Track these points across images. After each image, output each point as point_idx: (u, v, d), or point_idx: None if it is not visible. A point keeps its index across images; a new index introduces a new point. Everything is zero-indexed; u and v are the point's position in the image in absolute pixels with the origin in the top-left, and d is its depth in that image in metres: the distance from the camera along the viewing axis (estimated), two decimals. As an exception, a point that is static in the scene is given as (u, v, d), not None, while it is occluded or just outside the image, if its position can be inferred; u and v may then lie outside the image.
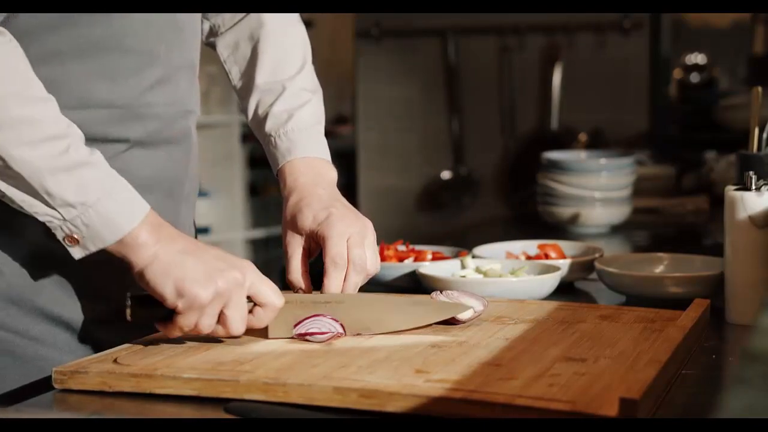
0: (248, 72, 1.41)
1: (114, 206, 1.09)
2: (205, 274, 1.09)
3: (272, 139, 1.36)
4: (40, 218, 1.09)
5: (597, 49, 3.85)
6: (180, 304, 1.09)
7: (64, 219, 1.08)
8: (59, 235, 1.10)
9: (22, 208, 1.09)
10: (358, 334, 1.18)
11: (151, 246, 1.10)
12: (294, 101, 1.38)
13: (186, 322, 1.10)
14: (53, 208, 1.08)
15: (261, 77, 1.40)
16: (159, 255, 1.10)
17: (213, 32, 1.44)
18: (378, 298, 1.27)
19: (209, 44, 1.45)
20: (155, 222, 1.12)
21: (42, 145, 1.07)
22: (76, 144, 1.09)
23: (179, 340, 1.16)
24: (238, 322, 1.11)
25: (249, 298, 1.13)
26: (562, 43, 3.89)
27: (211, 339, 1.16)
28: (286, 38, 1.42)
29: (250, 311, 1.13)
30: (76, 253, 1.10)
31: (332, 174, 1.35)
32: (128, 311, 1.12)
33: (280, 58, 1.41)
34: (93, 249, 1.10)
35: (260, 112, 1.38)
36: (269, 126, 1.37)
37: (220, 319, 1.11)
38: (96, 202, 1.08)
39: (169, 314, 1.11)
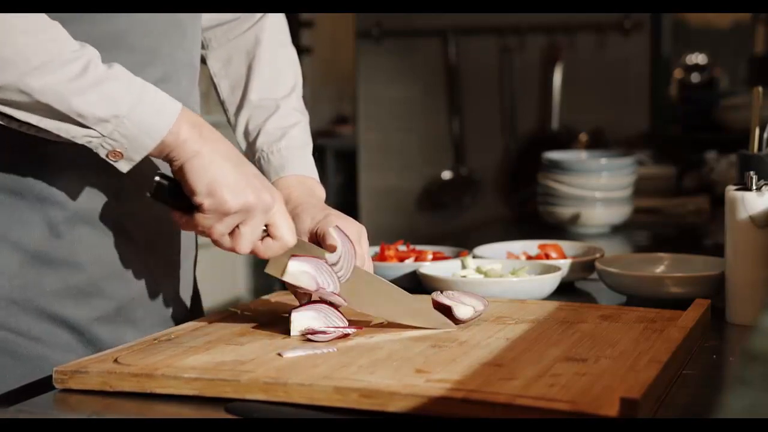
0: (241, 87, 1.44)
1: (146, 111, 1.09)
2: (240, 185, 1.12)
3: (264, 154, 1.39)
4: (79, 141, 1.09)
5: (597, 50, 3.85)
6: (206, 203, 1.11)
7: (102, 135, 1.08)
8: (102, 153, 1.10)
9: (59, 136, 1.09)
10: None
11: (195, 141, 1.11)
12: (287, 120, 1.42)
13: (204, 222, 1.13)
14: (88, 128, 1.08)
15: (255, 93, 1.43)
16: (202, 152, 1.11)
17: (203, 46, 1.46)
18: (383, 284, 1.26)
19: None
20: (193, 119, 1.13)
21: (60, 69, 1.06)
22: (94, 62, 1.09)
23: (180, 341, 1.16)
24: (247, 242, 1.15)
25: (266, 227, 1.16)
26: (562, 43, 3.89)
27: (213, 340, 1.16)
28: (280, 58, 1.47)
29: (261, 239, 1.16)
30: (123, 166, 1.11)
31: (322, 192, 1.39)
32: (153, 187, 1.13)
33: (275, 76, 1.45)
34: (137, 158, 1.11)
35: (251, 127, 1.42)
36: (261, 142, 1.40)
37: (233, 232, 1.14)
38: (128, 111, 1.08)
39: (188, 209, 1.13)
